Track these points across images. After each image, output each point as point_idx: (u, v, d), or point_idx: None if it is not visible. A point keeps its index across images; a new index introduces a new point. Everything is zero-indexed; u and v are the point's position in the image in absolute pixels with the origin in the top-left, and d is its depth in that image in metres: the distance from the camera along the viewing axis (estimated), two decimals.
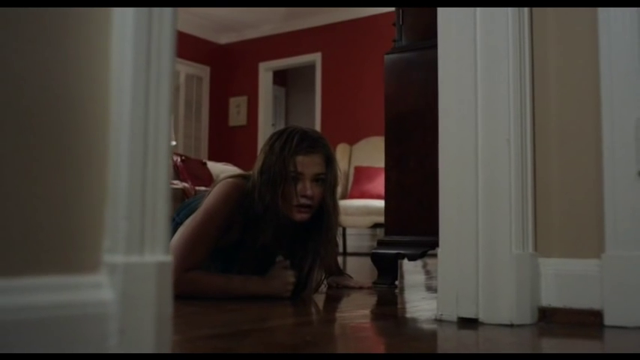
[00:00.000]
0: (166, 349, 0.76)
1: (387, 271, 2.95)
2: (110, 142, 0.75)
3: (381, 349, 1.45)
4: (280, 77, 10.31)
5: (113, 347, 0.71)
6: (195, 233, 2.07)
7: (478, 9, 1.78)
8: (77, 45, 0.74)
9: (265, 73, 9.27)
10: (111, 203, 0.74)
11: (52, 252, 0.69)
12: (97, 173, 0.74)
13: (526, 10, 1.82)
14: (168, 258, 0.78)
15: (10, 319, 0.64)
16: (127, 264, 0.73)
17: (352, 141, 7.89)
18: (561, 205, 1.80)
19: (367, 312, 2.06)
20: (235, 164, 5.89)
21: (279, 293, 2.13)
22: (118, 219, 0.73)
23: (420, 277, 3.62)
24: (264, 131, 8.87)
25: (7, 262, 0.65)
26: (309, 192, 2.11)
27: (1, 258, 0.65)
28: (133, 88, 0.75)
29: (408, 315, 2.00)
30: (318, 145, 2.17)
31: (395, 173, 3.02)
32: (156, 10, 0.79)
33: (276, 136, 2.21)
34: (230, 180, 2.21)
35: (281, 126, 10.16)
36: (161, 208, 0.77)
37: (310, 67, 9.05)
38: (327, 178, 2.18)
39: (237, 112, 9.30)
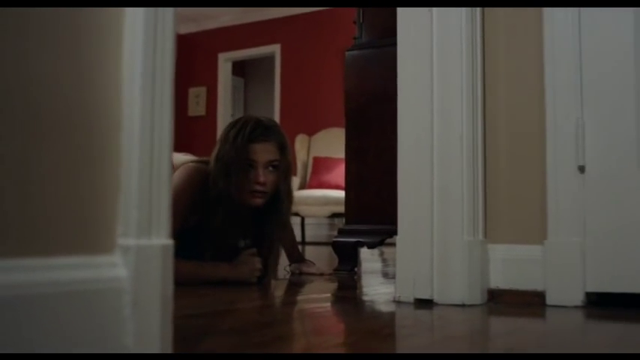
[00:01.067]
0: (170, 319, 0.89)
1: (347, 258, 3.10)
2: (122, 143, 0.87)
3: (341, 327, 1.58)
4: (239, 68, 10.38)
5: (128, 317, 0.84)
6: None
7: (434, 9, 1.93)
8: (92, 55, 0.85)
9: (224, 63, 9.33)
10: (123, 195, 0.86)
11: (76, 236, 0.82)
12: (111, 170, 0.86)
13: (478, 10, 1.98)
14: (171, 241, 0.90)
15: (45, 292, 0.76)
16: (138, 246, 0.85)
17: (311, 132, 8.02)
18: (509, 197, 1.97)
19: (329, 295, 2.20)
20: (195, 154, 5.96)
21: (247, 278, 2.26)
22: (130, 208, 0.86)
23: (378, 265, 3.78)
24: (224, 121, 8.93)
25: (39, 244, 0.77)
26: (262, 178, 2.20)
27: (35, 241, 0.77)
28: (142, 95, 0.87)
29: (368, 297, 2.15)
30: (272, 133, 2.26)
31: (355, 165, 3.18)
32: (160, 15, 0.91)
33: (231, 125, 2.31)
34: (191, 164, 2.30)
35: (240, 116, 10.24)
36: (164, 199, 0.90)
37: (269, 59, 9.14)
38: (280, 165, 2.27)
39: (196, 102, 9.34)
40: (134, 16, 0.89)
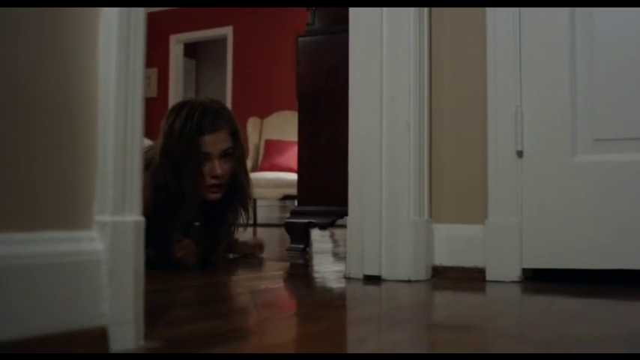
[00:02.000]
0: (142, 288, 0.98)
1: (300, 238, 3.21)
2: (98, 128, 0.95)
3: (294, 300, 1.68)
4: (191, 50, 10.34)
5: (105, 285, 0.92)
6: None
7: (384, 9, 2.04)
8: (72, 48, 0.93)
9: (176, 45, 9.30)
10: (100, 176, 0.94)
11: (58, 213, 0.89)
12: (88, 152, 0.94)
13: (425, 9, 2.09)
14: (142, 218, 0.99)
15: (29, 263, 0.84)
16: (114, 222, 0.94)
17: (263, 115, 8.08)
18: (452, 179, 2.10)
19: (282, 272, 2.30)
20: (146, 135, 5.98)
21: (185, 262, 2.15)
22: (106, 188, 0.94)
23: (328, 246, 3.89)
24: (175, 103, 8.92)
25: (24, 220, 0.85)
26: (218, 171, 2.06)
27: (21, 217, 0.85)
28: (117, 85, 0.95)
29: (319, 275, 2.26)
30: (222, 121, 2.10)
31: (307, 149, 3.28)
32: (132, 14, 0.99)
33: (174, 114, 2.09)
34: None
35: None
36: (136, 179, 0.98)
37: (222, 41, 9.14)
38: (234, 152, 2.13)
39: (147, 83, 9.28)
40: (109, 15, 0.96)
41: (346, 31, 2.16)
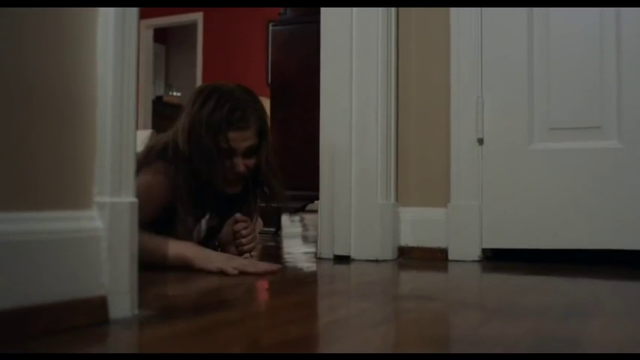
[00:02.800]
0: (136, 262, 1.08)
1: (272, 221, 3.32)
2: (97, 119, 1.05)
3: (269, 277, 1.79)
4: (161, 35, 10.33)
5: (104, 260, 1.02)
6: None
7: (354, 8, 2.16)
8: (73, 44, 1.03)
9: (146, 30, 9.29)
10: (98, 162, 1.04)
11: (62, 195, 0.99)
12: (88, 140, 1.04)
13: (393, 9, 2.21)
14: (135, 199, 1.09)
15: (37, 239, 0.94)
16: (112, 203, 1.04)
17: None
18: (418, 165, 2.23)
19: (255, 254, 2.41)
20: None
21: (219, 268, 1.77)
22: (104, 172, 1.04)
23: (298, 230, 4.01)
24: (144, 89, 8.93)
25: (33, 201, 0.95)
26: (241, 168, 1.92)
27: (30, 198, 0.95)
28: (114, 78, 1.05)
29: (292, 255, 2.38)
30: (251, 118, 1.93)
31: (278, 135, 3.38)
32: (127, 13, 1.09)
33: (202, 99, 1.94)
34: (150, 179, 1.89)
35: (160, 84, 10.23)
36: (131, 164, 1.09)
37: (192, 26, 9.16)
38: (260, 150, 1.97)
39: None
40: (106, 14, 1.06)
41: (318, 21, 2.27)
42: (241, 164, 1.92)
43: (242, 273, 1.65)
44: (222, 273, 1.65)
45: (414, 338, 0.95)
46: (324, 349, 0.87)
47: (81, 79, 1.04)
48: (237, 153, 1.91)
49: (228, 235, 2.02)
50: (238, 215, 2.02)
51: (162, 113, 8.71)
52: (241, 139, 1.91)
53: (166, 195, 1.90)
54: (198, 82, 8.80)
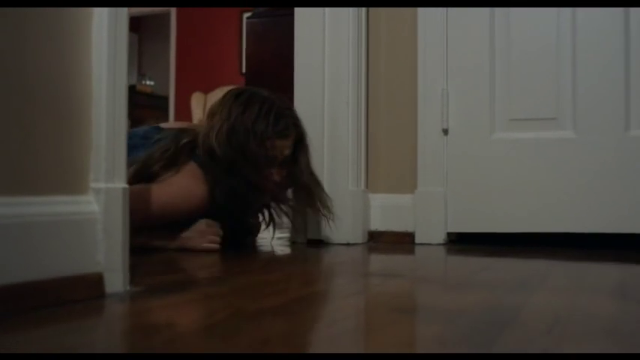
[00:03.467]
0: (127, 243, 1.19)
1: None
2: (92, 112, 1.15)
3: (247, 260, 1.90)
4: (134, 24, 10.33)
5: (100, 240, 1.13)
6: (166, 205, 1.86)
7: (327, 8, 2.28)
8: (70, 44, 1.13)
9: None
10: (94, 151, 1.15)
11: (62, 181, 1.10)
12: (85, 131, 1.14)
13: (364, 8, 2.33)
14: (127, 185, 1.20)
15: (40, 221, 1.04)
16: (106, 188, 1.15)
17: (207, 90, 8.20)
18: (387, 154, 2.35)
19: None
20: None
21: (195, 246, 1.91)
22: (99, 160, 1.15)
23: None
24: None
25: (37, 186, 1.06)
26: (276, 178, 1.93)
27: (34, 184, 1.06)
28: (107, 76, 1.16)
29: (266, 239, 2.49)
30: (292, 127, 1.96)
31: None
32: (119, 13, 1.19)
33: (241, 104, 1.92)
34: (193, 185, 1.90)
35: (133, 73, 10.23)
36: (123, 154, 1.19)
37: (165, 16, 9.19)
38: (300, 157, 1.97)
39: None
40: (100, 15, 1.17)
41: (292, 14, 2.38)
42: (277, 174, 1.92)
43: (183, 248, 1.85)
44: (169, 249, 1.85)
45: (380, 307, 1.07)
46: (299, 315, 0.99)
47: (78, 77, 1.14)
48: (278, 161, 1.91)
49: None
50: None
51: (135, 102, 8.74)
52: (283, 147, 1.91)
53: (203, 204, 1.90)
54: (172, 71, 8.83)
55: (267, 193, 1.96)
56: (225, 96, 1.97)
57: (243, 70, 3.48)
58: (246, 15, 3.66)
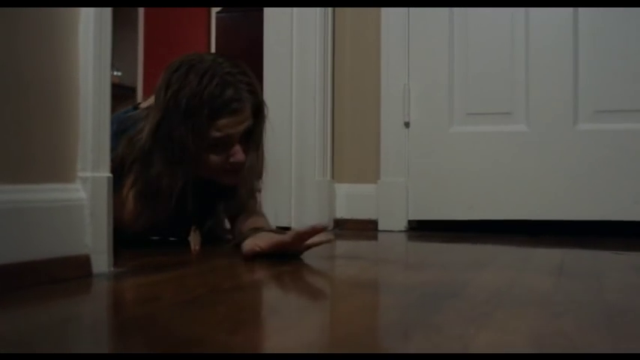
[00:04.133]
0: (112, 227, 1.30)
1: None
2: (80, 107, 1.25)
3: (218, 245, 2.01)
4: None
5: (87, 224, 1.23)
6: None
7: (295, 8, 2.39)
8: (59, 41, 1.23)
9: None
10: (82, 143, 1.25)
11: (53, 170, 1.20)
12: (73, 125, 1.24)
13: (330, 8, 2.45)
14: (111, 175, 1.30)
15: (35, 206, 1.15)
16: (93, 177, 1.25)
17: None
18: (351, 146, 2.48)
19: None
20: None
21: None
22: (86, 152, 1.25)
23: None
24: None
25: (31, 175, 1.16)
26: (239, 157, 1.58)
27: (28, 173, 1.16)
28: (93, 75, 1.26)
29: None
30: (244, 94, 1.56)
31: None
32: (104, 12, 1.29)
33: (178, 80, 1.56)
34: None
35: None
36: (107, 146, 1.30)
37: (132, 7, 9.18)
38: (256, 131, 1.65)
39: None
40: (87, 15, 1.27)
41: (261, 10, 2.49)
42: (239, 152, 1.58)
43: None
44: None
45: (343, 282, 1.20)
46: (270, 288, 1.11)
47: (67, 74, 1.24)
48: (234, 139, 1.57)
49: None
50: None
51: None
52: (237, 122, 1.55)
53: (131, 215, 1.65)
54: (140, 63, 8.84)
55: (226, 178, 1.63)
56: (163, 74, 1.64)
57: None
58: (215, 10, 3.73)
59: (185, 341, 0.72)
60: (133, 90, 9.21)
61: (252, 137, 1.63)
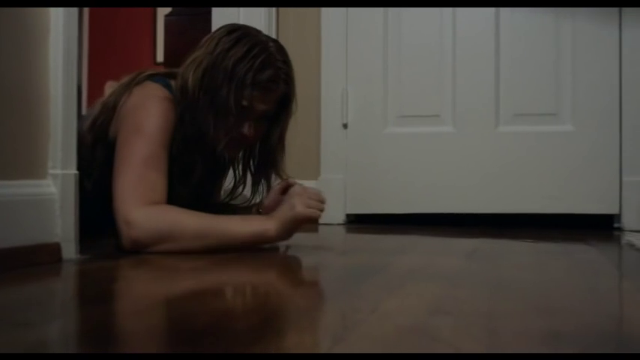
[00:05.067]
0: (78, 219, 1.46)
1: None
2: (50, 111, 1.41)
3: None
4: None
5: (57, 216, 1.39)
6: (144, 159, 1.56)
7: (241, 8, 2.57)
8: (30, 46, 1.39)
9: None
10: (52, 144, 1.41)
11: (27, 168, 1.36)
12: (44, 127, 1.40)
13: (274, 9, 2.64)
14: (77, 171, 1.46)
15: (11, 200, 1.30)
16: (62, 174, 1.41)
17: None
18: (294, 145, 2.66)
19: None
20: None
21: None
22: (56, 151, 1.41)
23: None
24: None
25: (7, 173, 1.32)
26: (247, 132, 1.64)
27: (6, 171, 1.32)
28: (62, 78, 1.42)
29: None
30: (281, 82, 1.64)
31: None
32: (71, 12, 1.45)
33: (229, 43, 1.62)
34: (159, 91, 1.66)
35: None
36: (74, 146, 1.46)
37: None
38: (279, 120, 1.73)
39: None
40: (56, 29, 1.43)
41: (209, 13, 2.66)
42: (249, 128, 1.64)
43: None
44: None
45: (282, 265, 1.39)
46: (221, 269, 1.29)
47: (38, 80, 1.39)
48: (252, 115, 1.63)
49: (275, 202, 1.75)
50: (290, 180, 1.84)
51: None
52: (262, 101, 1.62)
53: (173, 125, 1.62)
54: (84, 65, 8.84)
55: (229, 147, 1.66)
56: (217, 29, 1.70)
57: (158, 60, 3.73)
58: (163, 13, 3.87)
59: (148, 306, 0.90)
60: (78, 89, 9.22)
61: (272, 126, 1.71)
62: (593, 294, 1.04)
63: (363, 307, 0.91)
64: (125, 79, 1.72)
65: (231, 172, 1.87)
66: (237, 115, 1.60)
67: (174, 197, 1.60)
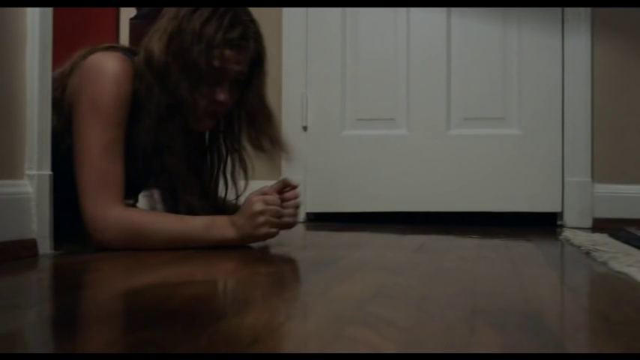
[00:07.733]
0: (52, 216, 1.55)
1: (129, 194, 3.77)
2: (27, 116, 1.51)
3: None
4: None
5: (34, 213, 1.49)
6: (104, 148, 1.54)
7: None
8: (8, 51, 1.48)
9: None
10: (28, 146, 1.50)
11: (5, 170, 1.46)
12: (21, 131, 1.50)
13: None
14: (51, 172, 1.56)
15: None
16: (38, 175, 1.50)
17: None
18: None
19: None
20: None
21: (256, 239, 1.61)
22: (32, 154, 1.50)
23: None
24: None
25: None
26: (222, 96, 1.58)
27: None
28: (38, 85, 1.52)
29: None
30: (251, 40, 1.59)
31: None
32: (46, 13, 1.55)
33: (192, 8, 1.56)
34: (111, 55, 1.59)
35: None
36: (49, 148, 1.56)
37: None
38: (253, 81, 1.65)
39: None
40: (33, 39, 1.53)
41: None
42: (225, 92, 1.58)
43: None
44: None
45: (243, 258, 1.51)
46: (188, 262, 1.40)
47: (16, 87, 1.49)
48: (226, 77, 1.58)
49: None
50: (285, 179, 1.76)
51: None
52: (236, 60, 1.57)
53: (130, 96, 1.56)
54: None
55: (202, 119, 1.60)
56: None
57: None
58: (128, 16, 3.94)
59: (124, 293, 1.02)
60: None
61: (247, 90, 1.64)
62: (517, 280, 1.18)
63: (314, 292, 1.03)
64: (83, 51, 1.68)
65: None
66: (210, 77, 1.55)
67: (163, 176, 1.63)
